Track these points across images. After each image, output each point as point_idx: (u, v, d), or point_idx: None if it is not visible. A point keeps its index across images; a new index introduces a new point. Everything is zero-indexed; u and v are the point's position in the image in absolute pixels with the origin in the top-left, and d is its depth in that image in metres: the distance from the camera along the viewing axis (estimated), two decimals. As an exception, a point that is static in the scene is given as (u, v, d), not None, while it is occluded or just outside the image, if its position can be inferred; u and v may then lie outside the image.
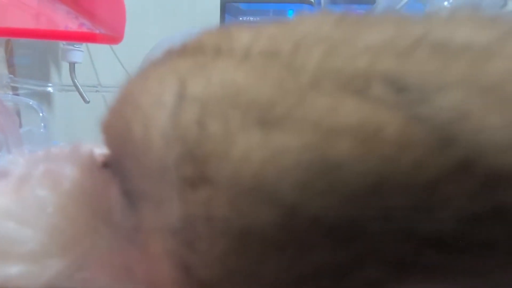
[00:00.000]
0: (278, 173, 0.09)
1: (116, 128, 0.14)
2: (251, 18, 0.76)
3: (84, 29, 0.59)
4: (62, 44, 0.84)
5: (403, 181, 0.09)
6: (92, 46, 0.89)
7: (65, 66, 0.89)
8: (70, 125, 0.90)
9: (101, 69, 0.92)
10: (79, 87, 0.84)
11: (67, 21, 0.59)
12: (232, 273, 0.10)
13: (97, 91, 0.92)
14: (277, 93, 0.10)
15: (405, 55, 0.10)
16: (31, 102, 0.79)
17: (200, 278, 0.10)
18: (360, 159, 0.09)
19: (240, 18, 0.76)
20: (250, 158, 0.10)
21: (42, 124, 0.79)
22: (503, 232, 0.09)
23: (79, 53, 0.84)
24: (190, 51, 0.13)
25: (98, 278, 0.14)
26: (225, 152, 0.10)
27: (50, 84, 0.94)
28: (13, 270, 0.14)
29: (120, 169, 0.14)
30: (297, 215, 0.09)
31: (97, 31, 0.57)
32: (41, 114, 0.78)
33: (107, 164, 0.16)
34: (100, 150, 0.18)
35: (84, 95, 0.85)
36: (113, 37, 0.48)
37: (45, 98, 0.92)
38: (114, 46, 0.90)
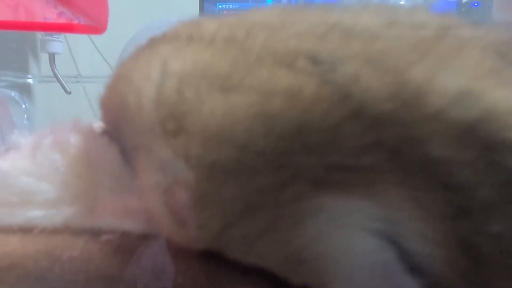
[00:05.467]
0: (234, 123, 0.14)
1: (113, 100, 0.18)
2: (230, 6, 0.79)
3: (63, 18, 0.62)
4: (41, 34, 0.85)
5: (316, 125, 0.14)
6: (71, 36, 0.91)
7: (43, 57, 0.91)
8: (51, 116, 0.93)
9: (80, 60, 0.95)
10: (60, 78, 0.86)
11: (45, 10, 0.61)
12: (204, 194, 0.14)
13: (77, 81, 0.94)
14: (233, 68, 0.15)
15: (321, 38, 0.15)
16: (13, 93, 0.80)
17: (181, 199, 0.15)
18: (287, 111, 0.14)
19: (219, 6, 0.80)
20: (214, 113, 0.14)
21: (25, 116, 0.80)
22: (383, 157, 0.14)
23: (58, 43, 0.86)
24: (168, 38, 0.18)
25: (103, 218, 0.18)
26: (197, 110, 0.14)
27: (29, 76, 0.95)
28: (34, 213, 0.18)
29: (116, 134, 0.19)
30: (246, 151, 0.14)
31: (77, 21, 0.60)
32: (23, 106, 0.80)
33: (104, 133, 0.21)
34: (97, 125, 0.22)
35: (66, 86, 0.87)
36: (95, 27, 0.51)
37: (25, 90, 0.93)
38: (93, 36, 0.92)
